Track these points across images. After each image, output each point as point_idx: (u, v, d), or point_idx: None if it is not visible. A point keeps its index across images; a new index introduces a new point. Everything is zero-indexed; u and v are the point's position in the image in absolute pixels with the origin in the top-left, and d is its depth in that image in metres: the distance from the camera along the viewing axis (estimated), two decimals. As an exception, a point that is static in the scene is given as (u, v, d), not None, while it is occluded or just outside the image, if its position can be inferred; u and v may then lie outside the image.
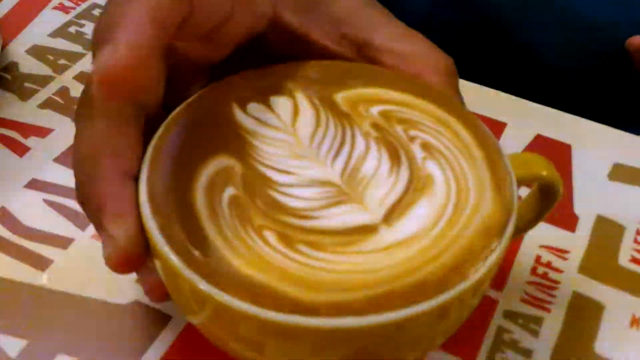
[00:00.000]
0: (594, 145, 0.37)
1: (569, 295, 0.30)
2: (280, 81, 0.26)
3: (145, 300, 0.29)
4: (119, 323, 0.28)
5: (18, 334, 0.28)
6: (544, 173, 0.26)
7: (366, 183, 0.23)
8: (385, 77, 0.27)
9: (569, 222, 0.33)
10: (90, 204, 0.23)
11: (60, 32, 0.42)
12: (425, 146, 0.24)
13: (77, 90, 0.38)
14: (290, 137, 0.25)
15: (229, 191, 0.23)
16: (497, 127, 0.38)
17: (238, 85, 0.26)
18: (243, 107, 0.25)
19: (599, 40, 0.47)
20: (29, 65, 0.40)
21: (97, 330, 0.28)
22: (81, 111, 0.24)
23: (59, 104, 0.38)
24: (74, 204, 0.32)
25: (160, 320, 0.28)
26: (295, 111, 0.25)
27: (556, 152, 0.37)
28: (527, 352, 0.28)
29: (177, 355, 0.27)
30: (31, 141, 0.36)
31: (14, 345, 0.28)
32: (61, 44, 0.42)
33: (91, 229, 0.32)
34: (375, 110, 0.25)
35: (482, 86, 0.40)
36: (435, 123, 0.25)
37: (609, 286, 0.31)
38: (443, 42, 0.29)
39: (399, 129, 0.25)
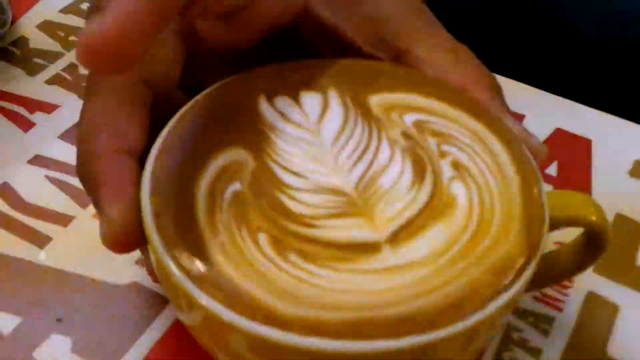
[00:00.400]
0: (616, 140, 0.36)
1: (582, 294, 0.29)
2: (313, 76, 0.25)
3: (144, 281, 0.28)
4: (116, 304, 0.28)
5: (12, 311, 0.27)
6: (593, 219, 0.22)
7: (380, 196, 0.21)
8: (427, 84, 0.25)
9: (586, 219, 0.32)
10: (88, 181, 0.22)
11: (71, 8, 0.42)
12: (456, 165, 0.22)
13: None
14: (312, 137, 0.23)
15: (234, 186, 0.22)
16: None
17: (267, 76, 0.25)
18: (269, 100, 0.24)
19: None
20: (39, 41, 0.39)
21: (93, 310, 0.27)
22: (88, 87, 0.24)
23: (67, 80, 0.37)
24: (76, 181, 0.32)
25: (158, 302, 0.28)
26: (324, 109, 0.24)
27: (576, 147, 0.35)
28: (536, 352, 0.27)
29: (173, 339, 0.27)
30: (37, 117, 0.35)
31: (7, 321, 0.27)
32: (72, 20, 0.41)
33: (92, 207, 0.31)
34: (409, 118, 0.24)
35: (499, 76, 0.38)
36: (472, 140, 0.23)
37: (625, 287, 0.30)
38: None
39: (431, 141, 0.23)
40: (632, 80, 0.45)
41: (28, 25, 0.40)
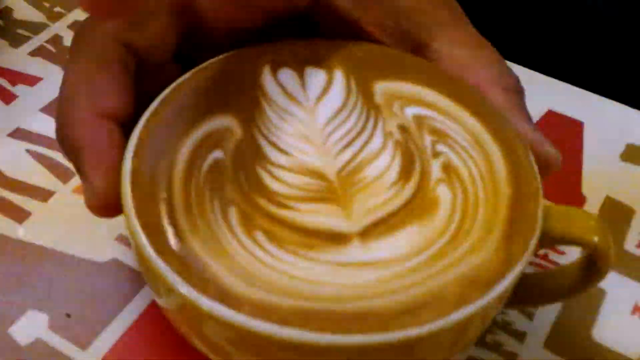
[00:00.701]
0: (608, 123, 0.35)
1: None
2: (323, 54, 0.24)
3: (124, 259, 0.28)
4: (95, 280, 0.27)
5: (-11, 286, 0.27)
6: (595, 239, 0.21)
7: (361, 187, 0.21)
8: (439, 78, 0.24)
9: (575, 203, 0.31)
10: (68, 145, 0.22)
11: (57, -21, 0.41)
12: (447, 167, 0.21)
13: (69, 38, 0.37)
14: (306, 115, 0.23)
15: (216, 154, 0.21)
16: (507, 100, 0.36)
17: (276, 48, 0.24)
18: (273, 72, 0.24)
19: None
20: (24, 12, 0.39)
21: (72, 287, 0.27)
22: (70, 53, 0.23)
23: (51, 52, 0.36)
24: (57, 156, 0.31)
25: (137, 280, 0.27)
26: (326, 89, 0.23)
27: (567, 129, 0.35)
28: (520, 335, 0.27)
29: (153, 317, 0.26)
30: (19, 89, 0.34)
31: (-16, 297, 0.27)
32: (58, -9, 0.40)
33: (73, 182, 0.30)
34: (411, 110, 0.23)
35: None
36: (471, 144, 0.22)
37: (613, 271, 0.29)
38: None
39: (427, 139, 0.22)
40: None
41: (12, -4, 0.39)
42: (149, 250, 0.19)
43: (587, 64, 0.45)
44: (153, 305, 0.27)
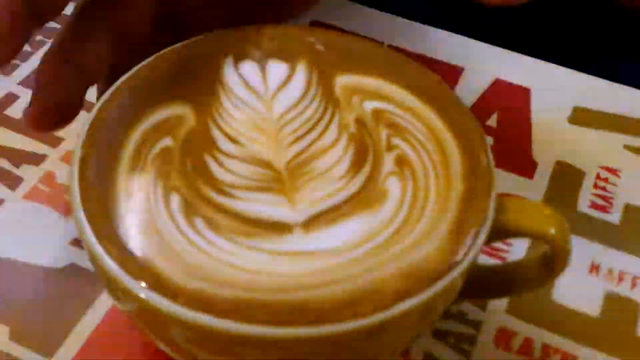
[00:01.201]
0: (554, 88, 0.36)
1: (526, 241, 0.29)
2: (289, 43, 0.24)
3: (81, 262, 0.27)
4: (53, 287, 0.27)
5: (-57, 303, 0.26)
6: (552, 231, 0.21)
7: (309, 179, 0.21)
8: (403, 70, 0.24)
9: (527, 168, 0.32)
10: None
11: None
12: (400, 161, 0.21)
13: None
14: (262, 107, 0.23)
15: (166, 141, 0.21)
16: (454, 72, 0.36)
17: (241, 36, 0.24)
18: (235, 62, 0.24)
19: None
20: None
21: (30, 296, 0.26)
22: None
23: None
24: (5, 163, 0.30)
25: (97, 283, 0.27)
26: (286, 81, 0.23)
27: (515, 96, 0.35)
28: (483, 304, 0.27)
29: (116, 320, 0.26)
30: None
31: (-62, 314, 0.26)
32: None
33: (22, 188, 0.30)
34: (370, 104, 0.23)
35: (436, 29, 0.38)
36: (428, 138, 0.22)
37: (568, 233, 0.30)
38: None
39: (383, 133, 0.22)
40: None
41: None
42: (91, 238, 0.19)
43: (532, 32, 0.46)
44: (114, 308, 0.26)
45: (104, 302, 0.26)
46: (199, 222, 0.19)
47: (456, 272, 0.19)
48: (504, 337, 0.26)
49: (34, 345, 0.25)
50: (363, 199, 0.20)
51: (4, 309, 0.26)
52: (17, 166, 0.30)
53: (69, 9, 0.28)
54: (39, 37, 0.36)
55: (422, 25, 0.38)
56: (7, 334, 0.25)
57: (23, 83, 0.34)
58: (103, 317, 0.26)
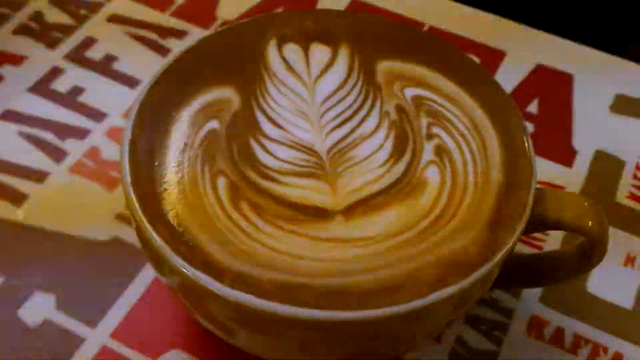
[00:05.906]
0: (597, 75, 0.35)
1: (562, 232, 0.29)
2: (332, 29, 0.24)
3: (125, 236, 0.28)
4: (98, 260, 0.28)
5: (-7, 271, 0.27)
6: (590, 225, 0.21)
7: (350, 165, 0.21)
8: (447, 58, 0.24)
9: (566, 156, 0.32)
10: None
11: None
12: (440, 150, 0.21)
13: (51, 15, 0.36)
14: (305, 92, 0.23)
15: (212, 124, 0.22)
16: (496, 57, 0.36)
17: (284, 21, 0.25)
18: (279, 45, 0.24)
19: None
20: (2, -12, 0.38)
21: (75, 267, 0.27)
22: None
23: (34, 30, 0.36)
24: (50, 136, 0.31)
25: (140, 257, 0.28)
26: (328, 66, 0.24)
27: (557, 83, 0.35)
28: (516, 292, 0.28)
29: (157, 294, 0.27)
30: (4, 70, 0.34)
31: (-11, 282, 0.27)
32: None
33: (68, 162, 0.30)
34: (411, 92, 0.23)
35: (480, 11, 0.37)
36: (468, 128, 0.22)
37: (605, 223, 0.30)
38: None
39: (424, 121, 0.22)
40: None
41: (-11, -28, 0.38)
42: (143, 220, 0.20)
43: (577, 17, 0.45)
44: (156, 282, 0.27)
45: (146, 275, 0.27)
46: (244, 206, 0.20)
47: (492, 263, 0.19)
48: (535, 325, 0.27)
49: (78, 314, 0.26)
50: (403, 187, 0.20)
51: (51, 280, 0.27)
52: (63, 139, 0.31)
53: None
54: (83, 11, 0.36)
55: (465, 7, 0.37)
56: (54, 303, 0.26)
57: (67, 57, 0.34)
58: (145, 290, 0.27)
